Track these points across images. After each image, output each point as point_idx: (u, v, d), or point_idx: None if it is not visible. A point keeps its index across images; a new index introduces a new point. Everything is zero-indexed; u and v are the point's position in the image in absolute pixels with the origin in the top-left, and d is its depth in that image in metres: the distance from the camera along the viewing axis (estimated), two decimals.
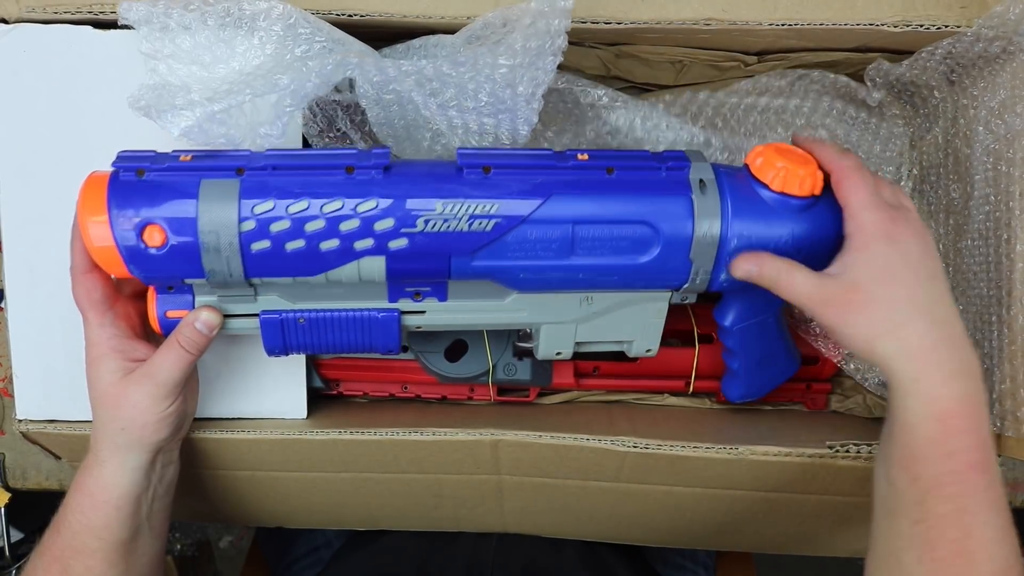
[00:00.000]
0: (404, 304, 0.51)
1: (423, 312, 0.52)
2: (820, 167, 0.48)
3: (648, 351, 0.55)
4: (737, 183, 0.48)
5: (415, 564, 0.70)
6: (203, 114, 0.47)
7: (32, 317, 0.56)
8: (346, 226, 0.45)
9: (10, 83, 0.53)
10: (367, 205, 0.45)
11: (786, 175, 0.47)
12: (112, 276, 0.48)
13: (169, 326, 0.50)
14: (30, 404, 0.57)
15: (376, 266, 0.47)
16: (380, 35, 0.54)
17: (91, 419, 0.56)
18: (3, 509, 0.77)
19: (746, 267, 0.47)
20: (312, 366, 0.63)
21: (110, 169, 0.46)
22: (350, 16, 0.51)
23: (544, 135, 0.54)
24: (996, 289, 0.54)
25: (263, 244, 0.45)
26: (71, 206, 0.54)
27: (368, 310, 0.50)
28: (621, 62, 0.62)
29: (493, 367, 0.62)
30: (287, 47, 0.48)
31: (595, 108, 0.53)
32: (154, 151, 0.46)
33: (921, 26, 0.52)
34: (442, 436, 0.56)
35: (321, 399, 0.64)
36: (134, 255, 0.45)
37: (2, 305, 0.66)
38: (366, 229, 0.45)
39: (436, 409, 0.64)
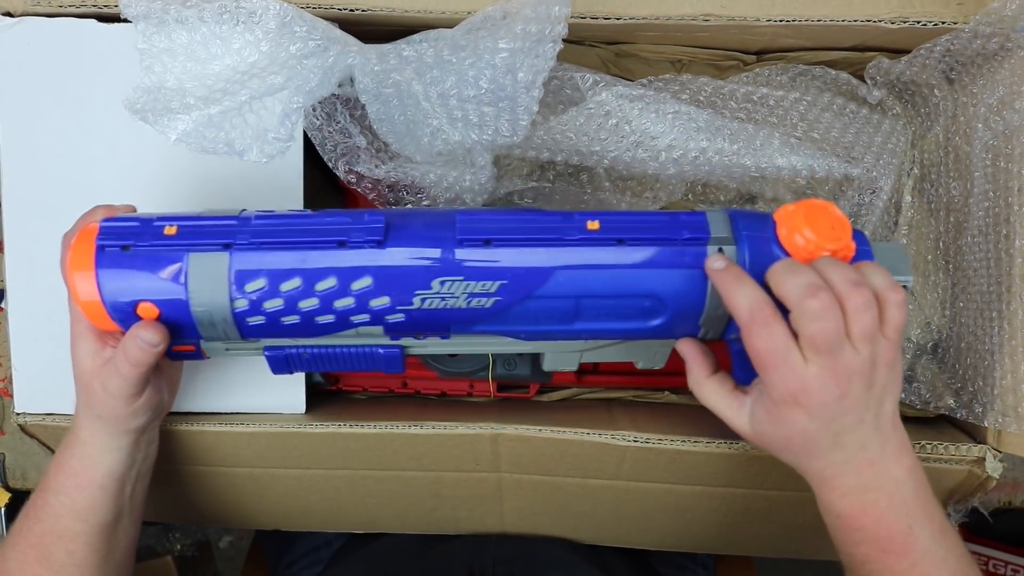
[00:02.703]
0: (406, 341, 0.50)
1: (425, 345, 0.51)
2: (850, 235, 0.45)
3: (654, 367, 0.55)
4: (759, 251, 0.45)
5: (417, 562, 0.70)
6: (200, 118, 0.48)
7: (32, 311, 0.56)
8: (340, 303, 0.44)
9: (15, 76, 0.53)
10: (361, 283, 0.44)
11: (814, 249, 0.44)
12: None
13: (176, 354, 0.50)
14: (28, 397, 0.57)
15: (374, 331, 0.47)
16: (381, 33, 0.55)
17: None
18: (3, 509, 0.77)
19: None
20: None
21: (97, 225, 0.45)
22: (352, 11, 0.52)
23: (540, 121, 0.54)
24: (996, 285, 0.54)
25: (258, 319, 0.45)
26: (74, 199, 0.55)
27: (371, 346, 0.50)
28: (621, 61, 0.63)
29: (493, 362, 0.62)
30: (282, 45, 0.49)
31: (592, 91, 0.53)
32: (139, 220, 0.45)
33: (918, 22, 0.53)
34: (442, 430, 0.56)
35: (320, 395, 0.64)
36: (130, 324, 0.45)
37: (2, 305, 0.66)
38: (361, 306, 0.45)
39: (436, 405, 0.64)
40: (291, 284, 0.44)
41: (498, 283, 0.44)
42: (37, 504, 0.50)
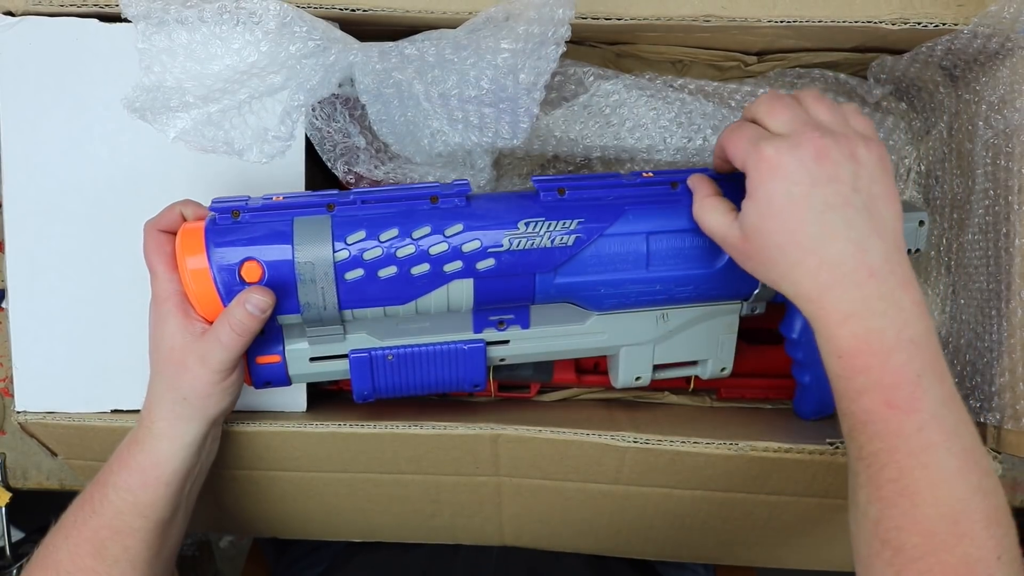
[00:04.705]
0: (489, 334, 0.53)
1: (507, 342, 0.54)
2: None
3: (723, 370, 0.57)
4: None
5: (418, 570, 0.70)
6: (199, 116, 0.48)
7: (33, 309, 0.56)
8: (436, 250, 0.48)
9: (16, 75, 0.53)
10: (454, 228, 0.48)
11: None
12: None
13: (260, 373, 0.52)
14: (29, 395, 0.57)
15: (465, 290, 0.49)
16: (381, 34, 0.55)
17: (95, 410, 0.57)
18: (3, 509, 0.77)
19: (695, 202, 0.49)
20: None
21: (198, 225, 0.48)
22: (353, 11, 0.52)
23: (542, 115, 0.54)
24: (996, 283, 0.54)
25: (357, 273, 0.48)
26: (75, 198, 0.55)
27: (454, 342, 0.53)
28: (622, 61, 0.63)
29: None
30: (282, 45, 0.49)
31: (594, 83, 0.54)
32: (248, 196, 0.49)
33: (919, 24, 0.53)
34: (442, 430, 0.56)
35: (321, 396, 0.64)
36: (233, 292, 0.47)
37: (3, 305, 0.66)
38: (455, 252, 0.48)
39: (436, 405, 0.64)
40: (390, 233, 0.47)
41: (576, 220, 0.49)
42: (95, 498, 0.49)
